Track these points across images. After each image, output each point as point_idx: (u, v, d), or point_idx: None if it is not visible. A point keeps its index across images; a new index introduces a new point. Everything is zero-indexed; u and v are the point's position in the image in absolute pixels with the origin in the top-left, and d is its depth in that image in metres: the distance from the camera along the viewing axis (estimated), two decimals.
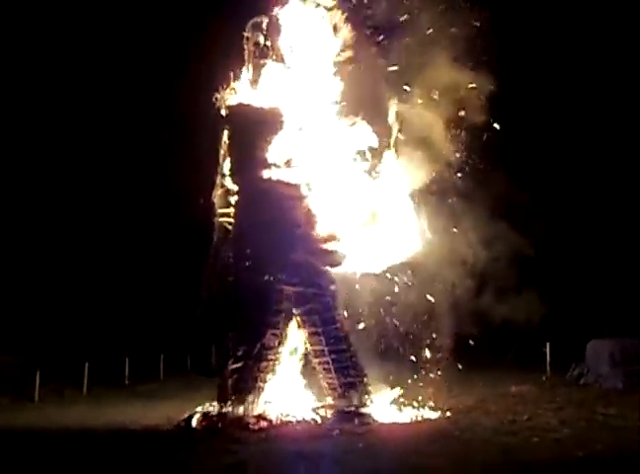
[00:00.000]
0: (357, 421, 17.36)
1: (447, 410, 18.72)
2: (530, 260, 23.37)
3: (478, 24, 19.58)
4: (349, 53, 19.26)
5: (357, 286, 19.59)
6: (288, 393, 18.33)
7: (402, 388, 19.67)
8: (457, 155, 20.06)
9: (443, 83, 19.49)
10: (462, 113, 19.81)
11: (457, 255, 20.14)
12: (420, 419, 18.24)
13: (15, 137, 36.34)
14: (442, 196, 20.44)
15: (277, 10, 19.39)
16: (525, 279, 22.80)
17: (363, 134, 19.25)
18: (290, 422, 17.33)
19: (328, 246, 18.74)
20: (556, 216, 29.26)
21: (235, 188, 18.63)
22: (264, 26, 19.16)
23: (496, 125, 20.60)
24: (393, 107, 19.33)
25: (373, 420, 17.68)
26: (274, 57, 19.25)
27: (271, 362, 18.06)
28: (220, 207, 18.88)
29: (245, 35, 19.18)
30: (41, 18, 36.62)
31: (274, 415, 17.43)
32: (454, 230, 20.25)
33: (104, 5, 36.90)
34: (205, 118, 19.09)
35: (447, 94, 19.55)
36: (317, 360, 18.50)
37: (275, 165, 18.55)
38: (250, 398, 17.54)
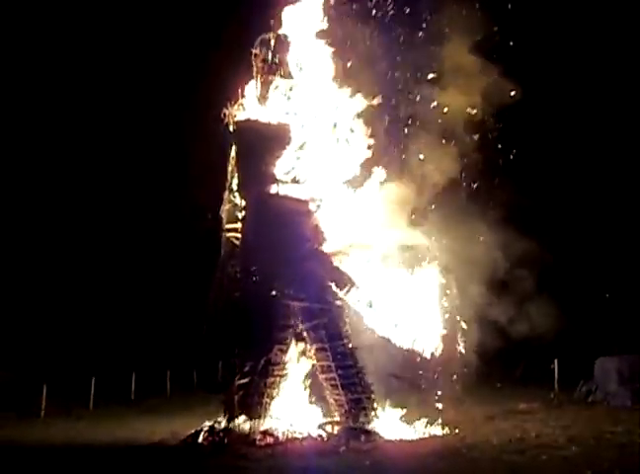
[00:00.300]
0: (363, 437, 17.24)
1: (455, 427, 18.60)
2: (539, 278, 23.33)
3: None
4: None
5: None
6: (295, 409, 18.25)
7: (409, 405, 19.58)
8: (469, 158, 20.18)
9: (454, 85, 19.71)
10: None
11: (466, 271, 20.13)
12: (427, 436, 18.13)
13: (26, 150, 36.56)
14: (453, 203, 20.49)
15: (284, 26, 19.50)
16: (534, 298, 22.75)
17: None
18: (297, 438, 17.23)
19: (337, 264, 18.78)
20: (563, 233, 29.22)
21: (243, 203, 18.66)
22: (271, 42, 19.26)
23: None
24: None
25: (380, 436, 17.56)
26: (281, 73, 19.33)
27: (277, 378, 18.01)
28: (228, 222, 18.92)
29: (253, 51, 19.27)
30: (57, 41, 36.88)
31: (280, 431, 17.34)
32: (480, 238, 20.18)
33: (121, 21, 37.15)
34: (215, 133, 19.15)
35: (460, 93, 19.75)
36: (324, 376, 18.43)
37: (282, 181, 18.61)
38: (256, 414, 17.49)
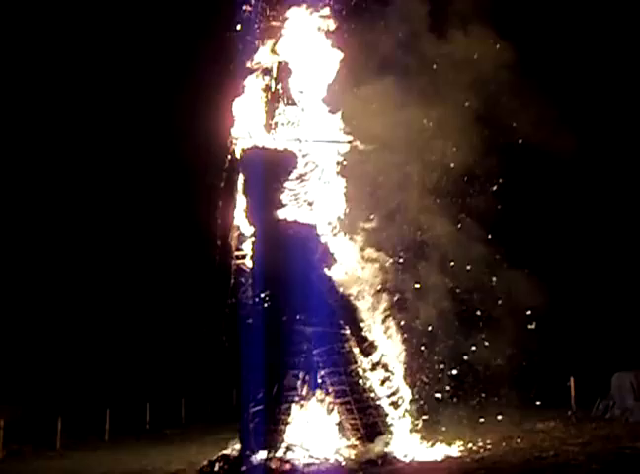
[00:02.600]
0: (380, 461, 17.14)
1: (473, 447, 18.46)
2: (553, 295, 23.19)
3: None
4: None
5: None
6: (311, 434, 18.15)
7: (426, 427, 19.45)
8: None
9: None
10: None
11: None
12: (445, 457, 17.97)
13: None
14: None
15: (288, 52, 19.66)
16: (547, 315, 22.61)
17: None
18: (313, 464, 17.14)
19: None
20: (577, 251, 29.06)
21: (251, 230, 18.72)
22: (274, 69, 19.41)
23: None
24: None
25: (397, 460, 17.43)
26: (285, 100, 19.44)
27: (292, 404, 17.93)
28: (237, 250, 18.96)
29: (254, 78, 19.41)
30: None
31: (297, 457, 17.25)
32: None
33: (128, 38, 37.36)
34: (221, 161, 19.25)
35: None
36: (339, 401, 18.33)
37: (290, 206, 18.68)
38: (272, 441, 17.40)
